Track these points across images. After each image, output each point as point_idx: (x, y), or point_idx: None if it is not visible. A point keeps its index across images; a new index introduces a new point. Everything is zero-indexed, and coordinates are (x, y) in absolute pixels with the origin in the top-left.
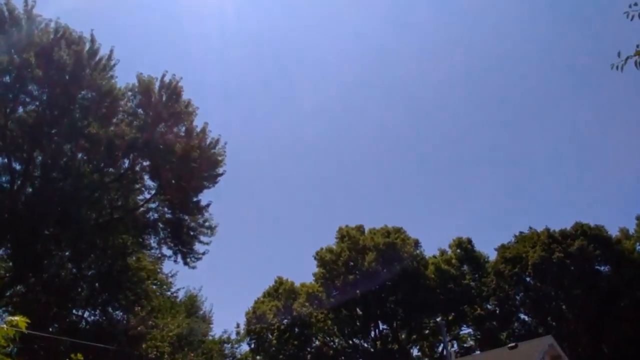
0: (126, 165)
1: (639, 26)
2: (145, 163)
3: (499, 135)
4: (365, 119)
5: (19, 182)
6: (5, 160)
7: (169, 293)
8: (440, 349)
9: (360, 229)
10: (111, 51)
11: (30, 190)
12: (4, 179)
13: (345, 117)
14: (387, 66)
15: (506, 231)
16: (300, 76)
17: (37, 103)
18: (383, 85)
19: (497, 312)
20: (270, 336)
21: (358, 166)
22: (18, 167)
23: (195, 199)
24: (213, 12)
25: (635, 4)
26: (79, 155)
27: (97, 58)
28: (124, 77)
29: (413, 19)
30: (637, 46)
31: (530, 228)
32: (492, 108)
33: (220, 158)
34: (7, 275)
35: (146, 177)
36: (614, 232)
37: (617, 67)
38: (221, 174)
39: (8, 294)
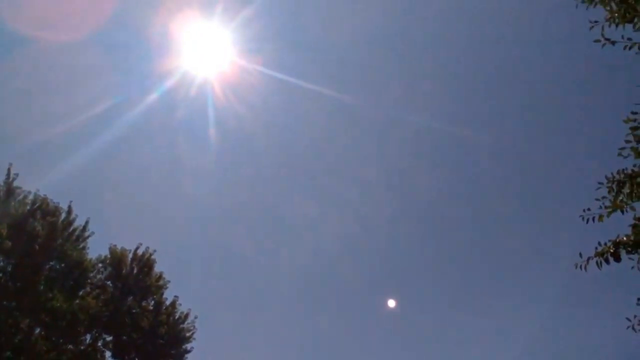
0: (87, 340)
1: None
2: (109, 339)
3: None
4: (366, 277)
5: None
6: None
7: None
8: None
9: None
10: (86, 222)
11: None
12: None
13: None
14: (389, 223)
15: None
16: (296, 230)
17: (1, 275)
18: (392, 243)
19: None
20: None
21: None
22: None
23: None
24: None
25: (589, 209)
26: (37, 330)
27: (71, 229)
28: (96, 248)
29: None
30: (596, 248)
31: None
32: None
33: (188, 334)
34: None
35: (108, 354)
36: None
37: (580, 267)
38: (189, 351)
39: None
